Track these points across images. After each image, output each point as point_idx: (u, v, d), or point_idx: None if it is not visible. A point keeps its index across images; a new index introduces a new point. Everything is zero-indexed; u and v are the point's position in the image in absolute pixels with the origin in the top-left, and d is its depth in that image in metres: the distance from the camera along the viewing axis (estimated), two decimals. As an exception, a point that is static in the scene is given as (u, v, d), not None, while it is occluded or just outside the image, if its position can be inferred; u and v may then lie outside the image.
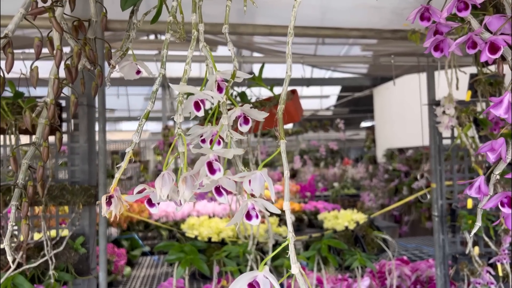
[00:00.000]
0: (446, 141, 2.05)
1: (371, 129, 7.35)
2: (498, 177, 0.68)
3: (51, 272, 1.43)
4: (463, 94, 2.02)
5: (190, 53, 0.60)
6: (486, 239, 1.96)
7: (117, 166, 0.62)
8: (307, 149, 8.05)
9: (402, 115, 5.47)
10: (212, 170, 0.55)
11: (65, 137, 1.63)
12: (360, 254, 1.81)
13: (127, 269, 3.46)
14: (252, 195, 0.62)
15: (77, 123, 1.63)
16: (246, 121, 0.63)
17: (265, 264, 0.53)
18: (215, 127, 0.63)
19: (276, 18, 2.47)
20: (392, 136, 5.89)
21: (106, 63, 0.78)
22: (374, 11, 2.17)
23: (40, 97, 1.52)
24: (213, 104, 0.66)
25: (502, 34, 0.69)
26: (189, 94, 0.63)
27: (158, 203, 0.61)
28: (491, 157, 0.67)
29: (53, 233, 1.59)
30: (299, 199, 5.69)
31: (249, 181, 0.56)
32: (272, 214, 5.03)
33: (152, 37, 4.21)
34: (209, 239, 2.27)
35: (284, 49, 4.23)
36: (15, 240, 1.48)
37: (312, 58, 4.32)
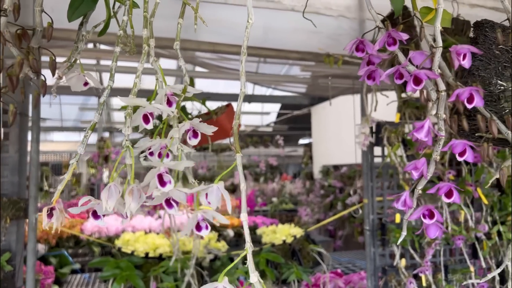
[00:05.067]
0: (378, 160, 2.19)
1: (309, 146, 7.61)
2: (420, 191, 0.76)
3: (-29, 292, 1.32)
4: (394, 116, 2.18)
5: (141, 67, 0.61)
6: (412, 251, 2.11)
7: (61, 178, 0.61)
8: (247, 164, 8.13)
9: (337, 134, 5.73)
10: (162, 182, 0.56)
11: (-7, 147, 1.53)
12: (296, 267, 1.87)
13: (55, 288, 3.25)
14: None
15: (7, 132, 1.54)
16: (195, 135, 0.65)
17: (224, 275, 0.54)
18: (164, 140, 0.64)
19: (220, 36, 2.52)
20: (328, 153, 6.14)
21: (49, 71, 0.76)
22: (313, 36, 2.29)
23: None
24: (157, 120, 0.67)
25: (423, 68, 0.78)
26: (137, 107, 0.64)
27: (104, 215, 0.60)
28: (415, 174, 0.75)
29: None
30: (238, 214, 5.71)
31: (206, 194, 0.58)
32: (211, 230, 4.98)
33: (90, 45, 4.08)
34: (146, 254, 2.21)
35: (227, 65, 4.29)
36: None
37: (254, 76, 4.43)
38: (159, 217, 5.09)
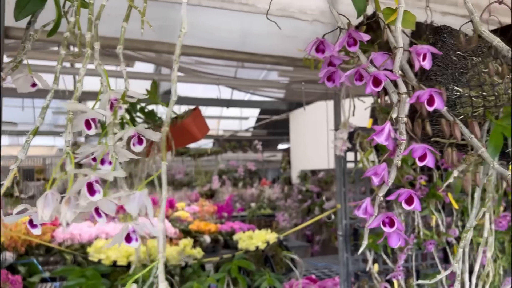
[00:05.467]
0: (351, 165, 2.19)
1: (287, 151, 7.62)
2: (382, 198, 0.74)
3: None
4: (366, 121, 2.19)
5: (83, 71, 0.58)
6: (384, 256, 2.11)
7: (1, 183, 0.58)
8: (225, 169, 8.08)
9: (315, 139, 5.75)
10: (91, 191, 0.53)
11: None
12: (269, 274, 1.84)
13: (22, 298, 3.14)
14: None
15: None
16: (140, 141, 0.62)
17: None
18: (106, 146, 0.61)
19: (194, 38, 2.48)
20: (306, 158, 6.16)
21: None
22: (288, 40, 2.29)
23: None
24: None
25: (385, 69, 0.77)
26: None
27: (42, 224, 0.57)
28: (375, 180, 0.73)
29: None
30: (216, 220, 5.66)
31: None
32: (186, 236, 4.92)
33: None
34: (114, 262, 2.15)
35: (203, 69, 4.25)
36: None
37: (233, 80, 4.40)
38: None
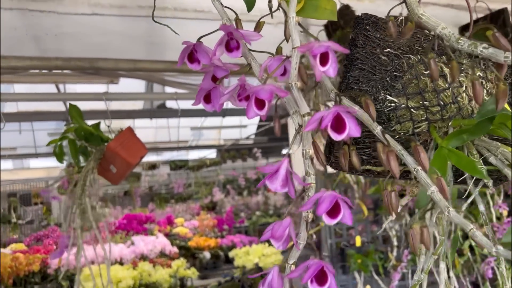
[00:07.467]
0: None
1: (288, 157, 7.42)
2: (293, 267, 0.54)
3: None
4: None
5: None
6: (376, 277, 1.91)
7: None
8: (226, 179, 7.89)
9: (314, 143, 5.56)
10: None
11: None
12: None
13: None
14: None
15: None
16: None
17: None
18: None
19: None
20: (307, 164, 5.97)
21: None
22: (254, 45, 2.12)
23: None
24: None
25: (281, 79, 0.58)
26: None
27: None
28: (276, 245, 0.53)
29: None
30: (217, 233, 5.49)
31: None
32: (185, 253, 4.73)
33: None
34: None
35: (189, 82, 4.10)
36: None
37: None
38: (132, 243, 4.82)
